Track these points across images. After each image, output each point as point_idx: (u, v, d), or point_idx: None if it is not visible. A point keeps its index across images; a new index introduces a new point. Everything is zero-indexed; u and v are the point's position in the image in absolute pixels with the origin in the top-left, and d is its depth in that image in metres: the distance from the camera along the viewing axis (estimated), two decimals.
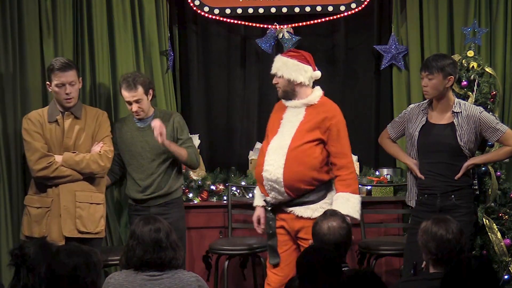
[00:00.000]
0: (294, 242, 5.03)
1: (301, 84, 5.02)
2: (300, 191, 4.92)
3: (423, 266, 4.08)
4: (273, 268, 5.06)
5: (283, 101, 5.10)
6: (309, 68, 5.05)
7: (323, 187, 4.99)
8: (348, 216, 4.55)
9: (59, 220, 5.26)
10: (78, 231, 5.28)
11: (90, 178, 5.37)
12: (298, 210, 4.96)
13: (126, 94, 5.54)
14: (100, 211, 5.40)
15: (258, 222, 5.15)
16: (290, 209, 4.97)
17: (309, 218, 4.91)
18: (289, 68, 5.01)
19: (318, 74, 5.09)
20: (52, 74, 5.28)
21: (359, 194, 5.02)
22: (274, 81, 5.06)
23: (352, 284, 3.28)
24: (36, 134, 5.29)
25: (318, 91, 5.08)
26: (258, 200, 5.15)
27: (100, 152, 5.37)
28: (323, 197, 4.98)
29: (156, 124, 5.36)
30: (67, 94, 5.28)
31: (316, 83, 6.49)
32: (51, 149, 5.31)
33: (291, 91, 5.03)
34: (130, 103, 5.56)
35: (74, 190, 5.31)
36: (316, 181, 4.94)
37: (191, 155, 5.58)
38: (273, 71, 5.07)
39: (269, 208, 5.02)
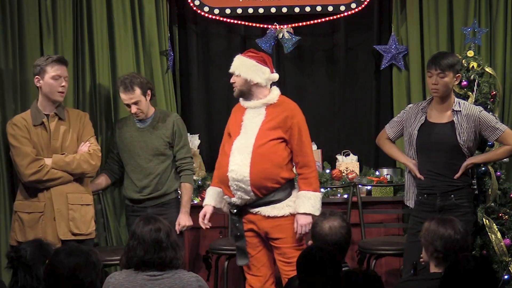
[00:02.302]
0: (265, 243, 5.05)
1: (257, 85, 5.03)
2: (266, 189, 4.94)
3: (421, 260, 4.08)
4: (250, 271, 5.08)
5: (242, 102, 5.10)
6: (266, 69, 5.05)
7: (288, 185, 5.02)
8: (309, 214, 4.89)
9: (54, 224, 5.24)
10: (72, 233, 5.26)
11: (79, 179, 5.35)
12: (265, 210, 4.97)
13: (124, 97, 5.55)
14: (90, 212, 5.39)
15: (204, 218, 5.15)
16: (257, 209, 4.98)
17: (276, 217, 4.96)
18: (247, 68, 5.02)
19: (275, 76, 5.10)
20: (48, 66, 5.24)
21: (320, 191, 5.09)
22: (231, 80, 5.07)
23: (351, 283, 3.28)
24: (24, 139, 5.27)
25: (276, 91, 5.10)
26: (208, 199, 5.15)
27: (89, 151, 5.36)
28: (288, 195, 5.01)
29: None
30: (62, 87, 5.27)
31: (315, 82, 6.54)
32: (39, 152, 5.28)
33: (247, 90, 5.04)
34: (128, 105, 5.57)
35: (66, 193, 5.29)
36: (282, 178, 4.97)
37: (191, 183, 5.71)
38: (231, 69, 5.07)
39: (234, 211, 5.01)
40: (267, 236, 5.01)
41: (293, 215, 4.98)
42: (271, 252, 5.07)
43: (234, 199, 4.98)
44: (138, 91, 5.54)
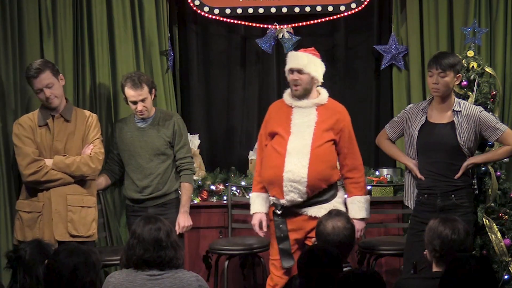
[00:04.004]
0: (299, 247, 5.05)
1: (317, 84, 5.04)
2: (319, 190, 4.97)
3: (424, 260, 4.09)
4: (276, 270, 5.05)
5: (289, 101, 5.06)
6: (324, 68, 5.09)
7: (334, 186, 5.06)
8: (363, 218, 5.03)
9: (51, 224, 5.24)
10: (70, 234, 5.25)
11: (81, 181, 5.34)
12: (311, 211, 4.98)
13: (133, 93, 5.52)
14: (91, 214, 5.37)
15: (260, 226, 5.13)
16: (303, 210, 4.98)
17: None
18: (316, 65, 5.02)
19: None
20: (29, 81, 5.29)
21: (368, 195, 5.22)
22: (295, 77, 5.01)
23: (353, 283, 3.27)
24: (27, 139, 5.27)
25: (325, 91, 5.11)
26: (259, 206, 5.11)
27: (90, 154, 5.34)
28: (334, 195, 5.03)
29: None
30: (47, 97, 5.26)
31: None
32: (42, 153, 5.29)
33: (309, 89, 5.04)
34: (135, 102, 5.55)
35: (66, 194, 5.28)
36: (333, 180, 5.02)
37: (191, 182, 5.67)
38: (298, 66, 5.01)
39: (279, 212, 4.99)
40: (308, 234, 5.00)
41: None
42: (300, 252, 5.07)
43: (283, 201, 4.96)
44: (146, 88, 5.53)
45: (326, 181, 4.97)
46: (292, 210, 4.98)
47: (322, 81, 5.10)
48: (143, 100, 5.53)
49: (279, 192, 4.96)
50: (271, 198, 5.04)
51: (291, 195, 4.93)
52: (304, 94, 5.03)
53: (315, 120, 4.99)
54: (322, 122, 4.98)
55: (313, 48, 5.20)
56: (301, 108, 5.02)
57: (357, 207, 5.03)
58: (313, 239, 4.27)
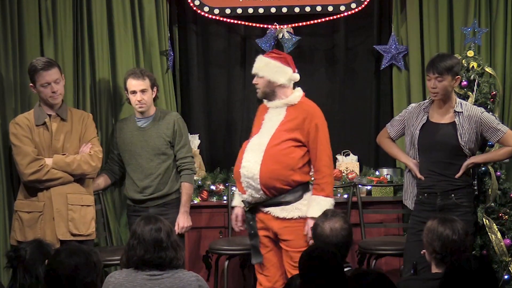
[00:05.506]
0: (276, 243, 5.04)
1: (281, 86, 5.05)
2: (276, 189, 4.94)
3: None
4: (260, 269, 5.09)
5: (265, 102, 5.13)
6: (289, 70, 5.08)
7: (300, 188, 4.99)
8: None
9: (53, 224, 5.24)
10: (71, 233, 5.25)
11: (80, 180, 5.35)
12: (274, 211, 4.98)
13: (134, 82, 5.53)
14: (91, 213, 5.38)
15: (236, 220, 5.19)
16: (267, 209, 4.99)
17: (285, 219, 4.95)
18: (270, 69, 5.04)
19: (297, 76, 5.12)
20: (36, 74, 5.24)
21: (333, 197, 5.02)
22: (254, 81, 5.10)
23: (363, 284, 3.27)
24: (25, 138, 5.27)
25: (298, 92, 5.11)
26: (237, 200, 5.18)
27: (90, 152, 5.35)
28: (299, 197, 4.98)
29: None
30: (53, 92, 5.25)
31: (315, 82, 6.53)
32: (41, 152, 5.28)
33: (270, 92, 5.07)
34: (135, 92, 5.54)
35: (66, 193, 5.28)
36: (293, 181, 4.95)
37: (191, 182, 5.67)
38: (254, 71, 5.10)
39: (247, 209, 5.03)
40: (277, 236, 5.01)
41: (302, 219, 4.96)
42: (280, 252, 5.05)
43: (245, 196, 5.01)
44: (148, 80, 5.56)
45: (282, 181, 4.93)
46: (258, 208, 5.01)
47: (292, 82, 5.09)
48: (143, 91, 5.54)
49: (241, 187, 5.02)
50: (238, 193, 5.12)
51: (249, 191, 4.97)
52: (266, 96, 5.08)
53: (281, 120, 5.02)
54: (288, 122, 5.00)
55: (274, 50, 5.27)
56: (273, 108, 5.08)
57: (311, 206, 4.93)
58: (311, 241, 4.26)
